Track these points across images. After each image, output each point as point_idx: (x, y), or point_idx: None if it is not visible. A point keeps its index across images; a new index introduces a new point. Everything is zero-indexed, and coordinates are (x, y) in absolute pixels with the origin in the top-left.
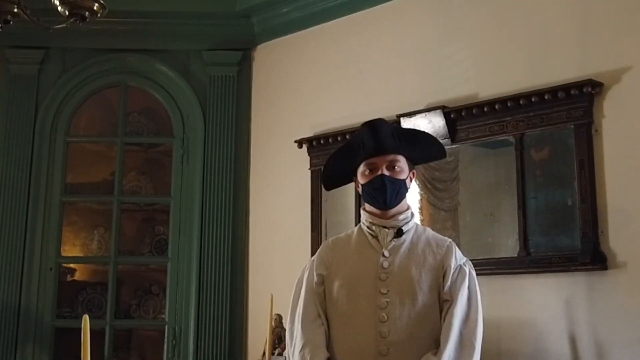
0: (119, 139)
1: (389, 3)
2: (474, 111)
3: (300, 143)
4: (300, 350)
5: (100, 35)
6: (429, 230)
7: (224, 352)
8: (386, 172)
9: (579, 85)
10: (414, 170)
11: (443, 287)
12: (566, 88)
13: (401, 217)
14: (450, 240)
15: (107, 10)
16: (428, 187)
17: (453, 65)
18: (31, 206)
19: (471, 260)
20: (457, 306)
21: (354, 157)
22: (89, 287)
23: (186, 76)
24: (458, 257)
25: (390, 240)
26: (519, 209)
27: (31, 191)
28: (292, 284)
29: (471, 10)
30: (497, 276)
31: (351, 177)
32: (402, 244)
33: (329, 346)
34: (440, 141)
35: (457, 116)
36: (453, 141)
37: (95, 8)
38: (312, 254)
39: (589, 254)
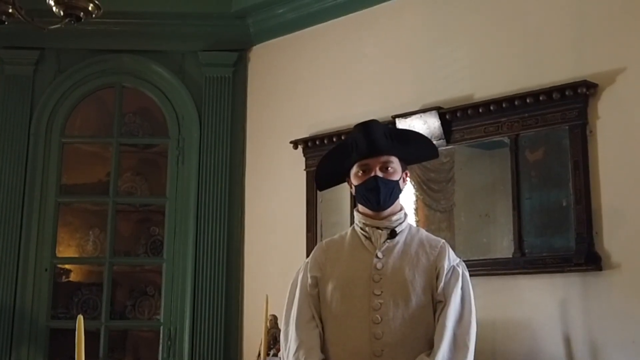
0: (114, 140)
1: (384, 4)
2: (469, 112)
3: (295, 144)
4: (295, 352)
5: (95, 35)
6: (423, 231)
7: (219, 352)
8: (379, 174)
9: (574, 86)
10: (407, 171)
11: (436, 288)
12: (561, 89)
13: (394, 217)
14: (443, 241)
15: (102, 11)
16: (423, 188)
17: (448, 66)
18: (26, 207)
19: (466, 260)
20: (451, 307)
21: (347, 158)
22: (84, 288)
23: (181, 77)
24: (451, 258)
25: (384, 242)
26: (513, 210)
27: (26, 192)
28: (287, 284)
29: (466, 11)
30: (492, 277)
31: (344, 177)
32: (396, 245)
33: (323, 348)
34: (436, 142)
35: (452, 117)
36: (448, 142)
37: (90, 8)
38: (308, 255)
39: (583, 255)
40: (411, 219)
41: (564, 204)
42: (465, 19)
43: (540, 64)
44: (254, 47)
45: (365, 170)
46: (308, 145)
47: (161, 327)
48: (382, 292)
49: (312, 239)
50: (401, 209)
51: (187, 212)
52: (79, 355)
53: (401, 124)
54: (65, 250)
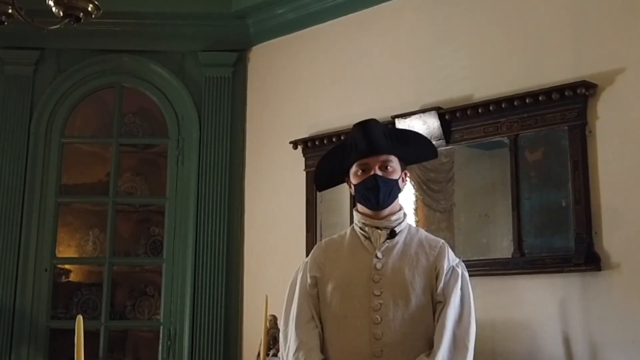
0: (114, 140)
1: (384, 4)
2: (468, 112)
3: (295, 144)
4: (295, 353)
5: (95, 36)
6: (422, 231)
7: (218, 353)
8: (379, 172)
9: (573, 86)
10: (406, 171)
11: (436, 289)
12: (560, 89)
13: (394, 217)
14: (443, 241)
15: (101, 11)
16: (423, 188)
17: (448, 67)
18: (26, 207)
19: (465, 261)
20: (450, 307)
21: (346, 158)
22: (84, 288)
23: (181, 77)
24: (451, 259)
25: (384, 242)
26: (513, 210)
27: (26, 192)
28: (287, 284)
29: (466, 11)
30: (492, 277)
31: (343, 177)
32: (395, 245)
33: (323, 348)
34: (435, 142)
35: (451, 117)
36: (448, 142)
37: (89, 9)
38: (307, 255)
39: (582, 255)
40: (411, 219)
41: (564, 204)
42: (465, 19)
43: (539, 64)
44: (254, 47)
45: (365, 169)
46: (308, 145)
47: (161, 327)
48: (381, 292)
49: (311, 239)
50: (400, 208)
51: (187, 212)
52: (78, 355)
53: (401, 124)
54: (65, 250)
